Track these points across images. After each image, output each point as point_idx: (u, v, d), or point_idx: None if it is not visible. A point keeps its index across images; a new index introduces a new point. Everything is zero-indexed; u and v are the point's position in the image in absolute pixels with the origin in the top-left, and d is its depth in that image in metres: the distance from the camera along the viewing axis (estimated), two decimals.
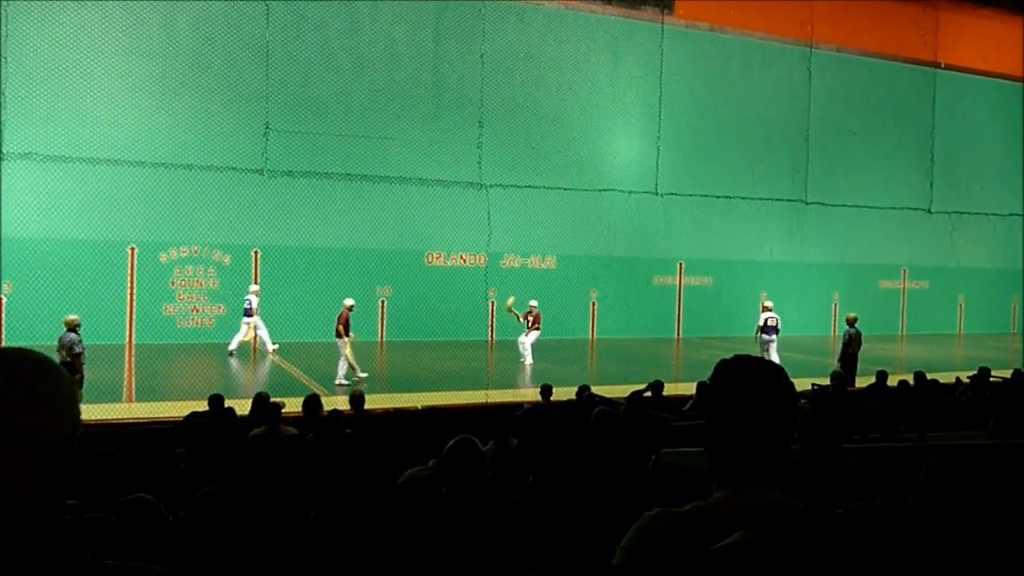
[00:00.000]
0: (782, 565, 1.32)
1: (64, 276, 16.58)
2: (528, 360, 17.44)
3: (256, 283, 18.41)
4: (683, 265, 23.87)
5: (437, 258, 21.27)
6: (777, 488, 1.53)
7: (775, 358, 17.16)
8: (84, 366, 11.36)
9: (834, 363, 15.37)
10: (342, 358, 14.60)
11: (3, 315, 17.51)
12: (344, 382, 14.24)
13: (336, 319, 14.85)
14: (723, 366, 1.58)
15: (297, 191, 18.21)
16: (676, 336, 23.60)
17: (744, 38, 24.57)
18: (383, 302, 20.68)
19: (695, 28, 23.99)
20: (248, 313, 17.52)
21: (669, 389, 11.63)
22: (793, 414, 1.55)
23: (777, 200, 22.42)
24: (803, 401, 8.01)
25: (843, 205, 23.86)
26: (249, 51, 17.94)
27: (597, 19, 22.99)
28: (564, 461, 4.23)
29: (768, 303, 19.34)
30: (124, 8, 18.40)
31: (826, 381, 11.88)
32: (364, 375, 14.86)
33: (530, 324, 17.84)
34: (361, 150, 19.15)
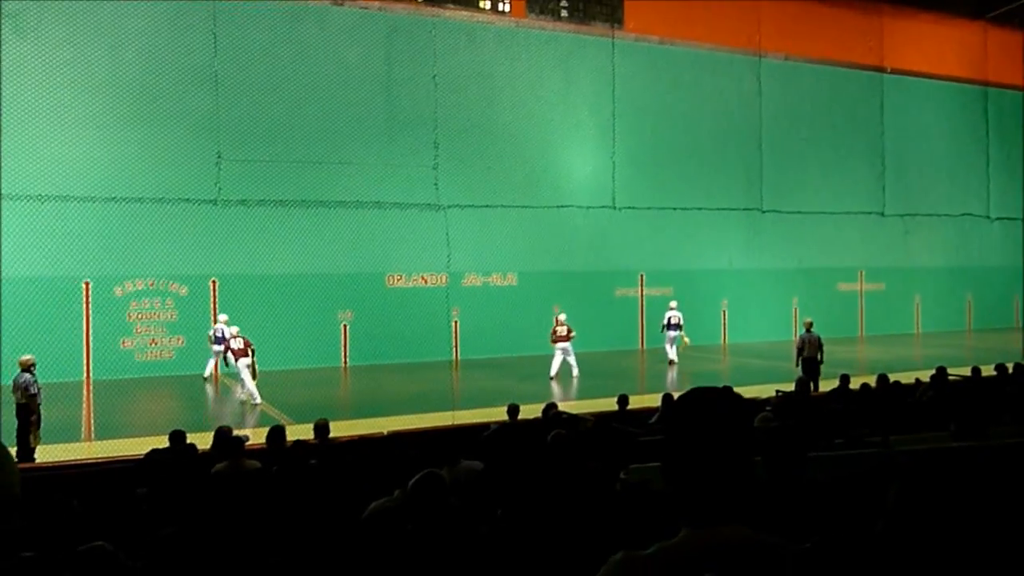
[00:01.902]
0: None
1: (16, 315, 16.18)
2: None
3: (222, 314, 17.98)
4: (644, 277, 24.01)
5: (398, 280, 21.15)
6: (742, 520, 1.50)
7: (673, 352, 19.88)
8: (41, 406, 11.07)
9: (794, 369, 15.54)
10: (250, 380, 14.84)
11: None
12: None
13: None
14: (676, 405, 1.55)
15: (253, 219, 18.05)
16: (640, 348, 23.69)
17: (693, 50, 24.88)
18: (345, 326, 20.50)
19: (645, 41, 24.23)
20: (220, 341, 16.85)
21: (635, 402, 11.64)
22: (750, 444, 1.52)
23: (734, 209, 22.72)
24: (767, 409, 8.05)
25: (798, 212, 24.24)
26: (197, 81, 17.76)
27: (548, 36, 23.13)
28: (530, 485, 4.18)
29: (673, 303, 20.09)
30: (69, 40, 18.11)
31: (791, 387, 11.97)
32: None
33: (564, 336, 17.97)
34: (316, 176, 19.03)
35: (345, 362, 20.45)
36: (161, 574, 4.04)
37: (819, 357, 15.60)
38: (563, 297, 22.13)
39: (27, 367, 11.01)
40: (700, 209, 21.77)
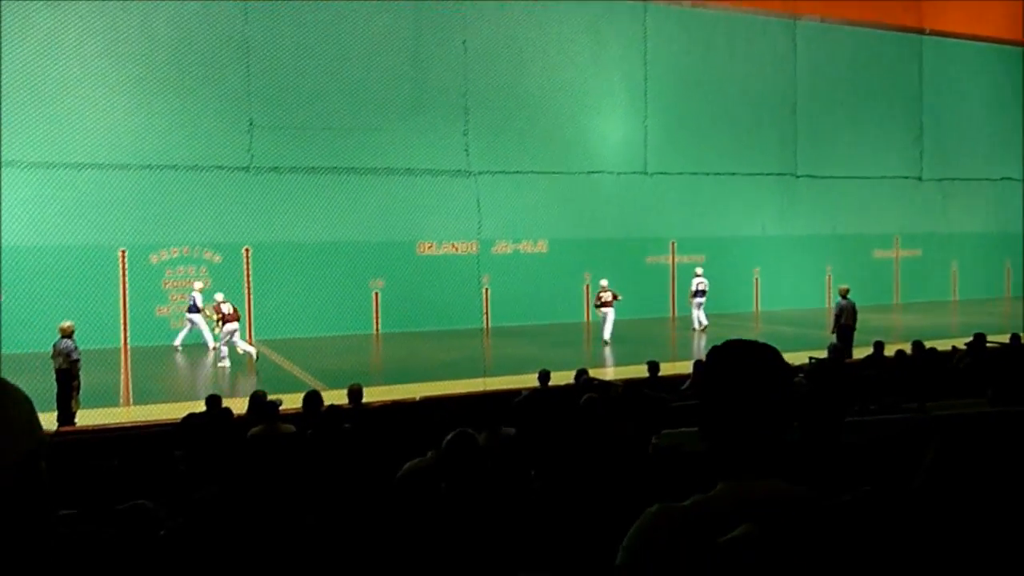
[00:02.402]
0: (787, 558, 1.28)
1: (56, 282, 16.45)
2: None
3: (201, 282, 18.12)
4: (676, 244, 23.84)
5: (428, 247, 21.19)
6: (779, 476, 1.49)
7: (703, 317, 20.00)
8: (81, 372, 11.30)
9: (830, 335, 15.39)
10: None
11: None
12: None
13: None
14: (713, 354, 1.53)
15: (284, 186, 18.13)
16: (671, 315, 23.59)
17: (727, 13, 24.42)
18: (376, 294, 20.61)
19: (677, 4, 23.85)
20: (193, 309, 17.29)
21: (666, 369, 11.62)
22: (788, 397, 1.50)
23: (767, 175, 22.39)
24: (800, 376, 8.00)
25: (833, 177, 23.84)
26: (229, 49, 17.80)
27: (577, 3, 22.84)
28: (563, 449, 4.20)
29: (698, 269, 20.16)
30: (101, 10, 18.19)
31: (824, 354, 11.87)
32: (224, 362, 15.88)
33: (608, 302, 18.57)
34: (347, 143, 19.04)
35: (377, 329, 20.59)
36: (199, 533, 4.11)
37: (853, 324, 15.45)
38: (594, 264, 22.06)
39: (68, 333, 11.25)
40: (733, 175, 21.50)
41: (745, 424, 1.46)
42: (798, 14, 23.87)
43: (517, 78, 21.73)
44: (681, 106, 23.37)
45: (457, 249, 21.22)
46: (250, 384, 13.32)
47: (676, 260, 23.84)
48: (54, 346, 11.17)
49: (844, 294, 15.73)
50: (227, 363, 15.79)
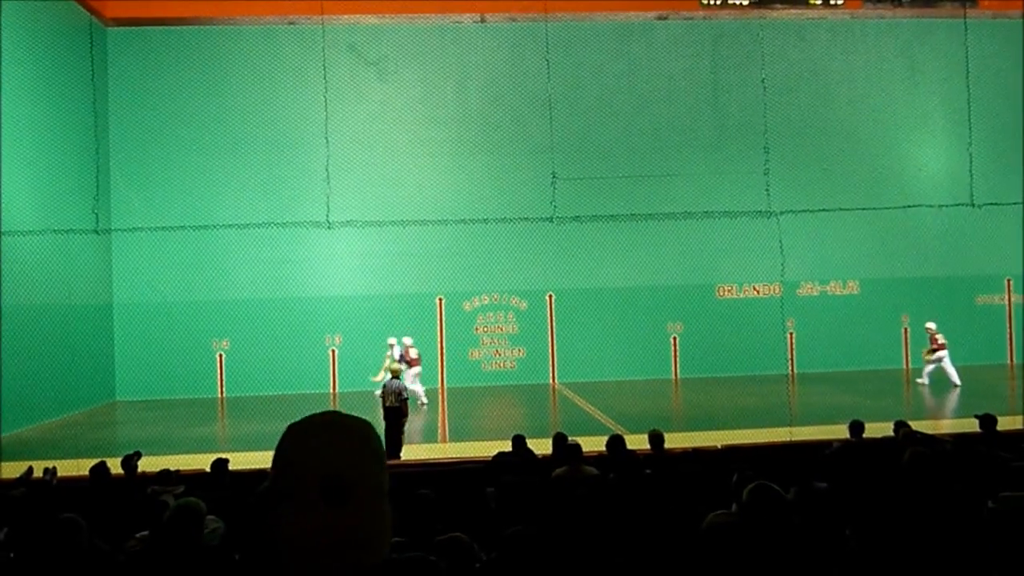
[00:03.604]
0: None
1: (384, 327, 18.22)
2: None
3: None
4: (1011, 282, 21.23)
5: (728, 291, 20.74)
6: None
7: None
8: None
9: None
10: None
11: (337, 365, 19.65)
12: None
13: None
14: None
15: (585, 235, 18.74)
16: (1009, 362, 20.96)
17: None
18: (675, 338, 20.50)
19: (1005, 17, 21.53)
20: (409, 363, 17.20)
21: (1005, 424, 10.31)
22: None
23: None
24: None
25: None
26: (533, 106, 18.87)
27: (887, 24, 21.45)
28: (881, 508, 3.88)
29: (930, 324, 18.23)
30: (421, 79, 20.20)
31: None
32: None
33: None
34: (645, 189, 19.31)
35: (676, 374, 20.44)
36: (511, 567, 4.31)
37: None
38: (913, 306, 20.27)
39: (397, 374, 12.45)
40: None
41: None
42: None
43: (821, 111, 20.81)
44: (1013, 127, 20.94)
45: (759, 292, 20.55)
46: (552, 425, 13.78)
47: (1013, 300, 21.20)
48: (384, 386, 12.36)
49: None
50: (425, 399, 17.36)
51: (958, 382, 17.28)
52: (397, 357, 16.85)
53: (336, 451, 1.43)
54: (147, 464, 8.57)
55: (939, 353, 17.53)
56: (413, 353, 17.23)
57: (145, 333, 19.12)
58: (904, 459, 4.29)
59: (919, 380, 17.79)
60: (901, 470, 4.26)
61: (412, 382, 16.82)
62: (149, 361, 18.96)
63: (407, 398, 12.13)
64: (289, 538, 1.38)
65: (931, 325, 17.95)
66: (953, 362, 17.59)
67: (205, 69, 19.51)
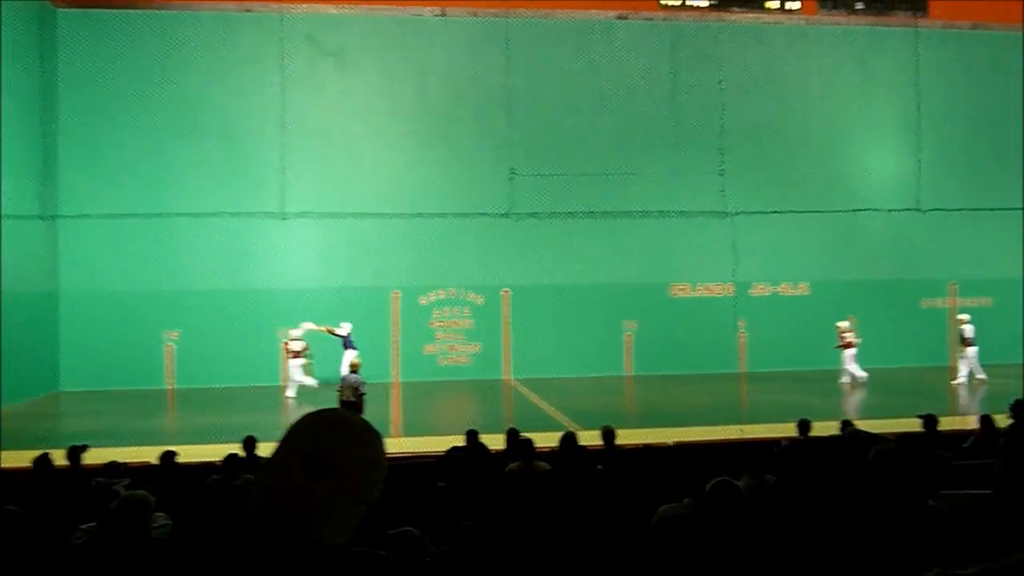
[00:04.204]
0: None
1: (338, 321, 18.03)
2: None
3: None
4: (956, 286, 21.77)
5: (682, 290, 20.94)
6: None
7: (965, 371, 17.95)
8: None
9: None
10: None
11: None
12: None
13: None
14: (1019, 408, 1.39)
15: (543, 231, 18.81)
16: (950, 364, 21.48)
17: (1012, 33, 22.13)
18: (629, 336, 20.65)
19: (954, 28, 22.07)
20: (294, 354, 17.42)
21: (945, 424, 10.56)
22: None
23: None
24: None
25: None
26: (493, 101, 18.88)
27: (842, 31, 21.84)
28: (829, 502, 3.95)
29: (963, 315, 18.61)
30: (380, 71, 20.07)
31: None
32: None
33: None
34: (603, 187, 19.40)
35: (629, 371, 20.59)
36: (463, 561, 4.31)
37: None
38: (861, 307, 20.67)
39: (355, 369, 12.37)
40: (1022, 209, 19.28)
41: None
42: None
43: (777, 114, 21.11)
44: (959, 137, 21.47)
45: (712, 291, 20.80)
46: (504, 421, 13.79)
47: (958, 304, 21.73)
48: (343, 379, 12.27)
49: None
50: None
51: (859, 377, 17.83)
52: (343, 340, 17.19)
53: (334, 436, 1.45)
54: (93, 456, 8.39)
55: (850, 350, 17.93)
56: (296, 346, 17.31)
57: (92, 322, 18.69)
58: (869, 457, 4.39)
59: (842, 380, 18.06)
60: (863, 468, 4.36)
61: (298, 374, 17.14)
62: (96, 351, 18.54)
63: (364, 393, 12.06)
64: (259, 500, 1.39)
65: (842, 324, 18.37)
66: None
67: (160, 54, 19.11)
